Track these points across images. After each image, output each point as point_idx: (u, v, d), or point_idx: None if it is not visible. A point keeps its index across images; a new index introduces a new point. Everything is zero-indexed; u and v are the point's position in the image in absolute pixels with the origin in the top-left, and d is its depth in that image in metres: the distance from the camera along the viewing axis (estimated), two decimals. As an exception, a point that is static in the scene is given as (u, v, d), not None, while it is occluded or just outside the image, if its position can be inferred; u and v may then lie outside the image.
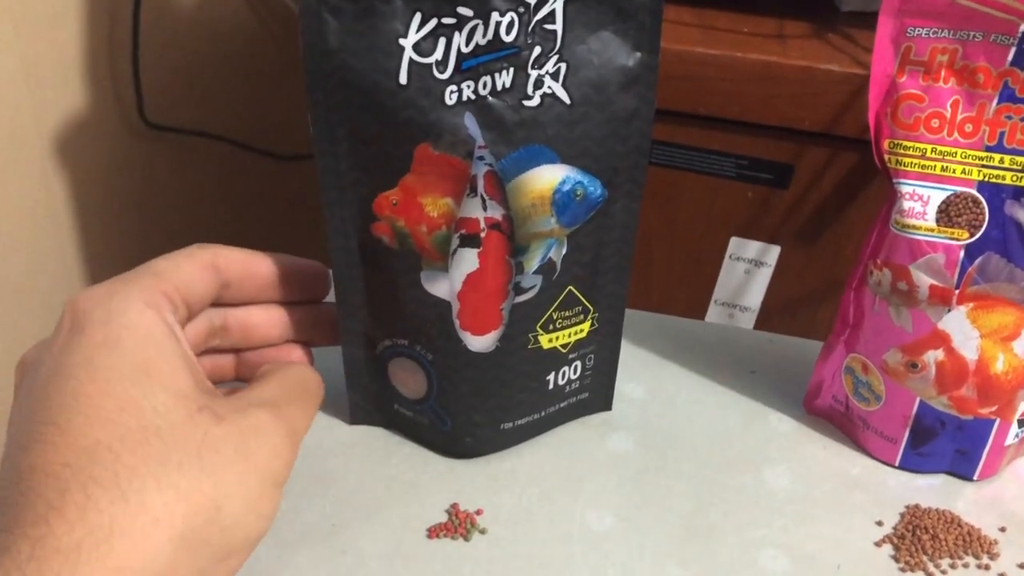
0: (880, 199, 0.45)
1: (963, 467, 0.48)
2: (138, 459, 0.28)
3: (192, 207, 0.92)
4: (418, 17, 0.37)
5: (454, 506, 0.44)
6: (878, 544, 0.44)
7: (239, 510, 0.30)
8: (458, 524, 0.43)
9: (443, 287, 0.42)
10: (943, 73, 0.42)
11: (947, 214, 0.43)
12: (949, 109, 0.42)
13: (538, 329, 0.45)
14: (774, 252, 0.75)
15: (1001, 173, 0.42)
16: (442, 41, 0.37)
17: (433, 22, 0.37)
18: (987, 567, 0.43)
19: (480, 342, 0.44)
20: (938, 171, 0.43)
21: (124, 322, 0.31)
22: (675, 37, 0.67)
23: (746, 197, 0.73)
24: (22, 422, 0.29)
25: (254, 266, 0.40)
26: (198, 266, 0.36)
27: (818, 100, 0.66)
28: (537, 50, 0.38)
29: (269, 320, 0.42)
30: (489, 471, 0.47)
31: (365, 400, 0.49)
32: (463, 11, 0.37)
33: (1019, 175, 0.42)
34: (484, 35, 0.37)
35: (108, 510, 0.27)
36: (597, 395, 0.51)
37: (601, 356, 0.49)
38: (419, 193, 0.40)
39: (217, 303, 0.39)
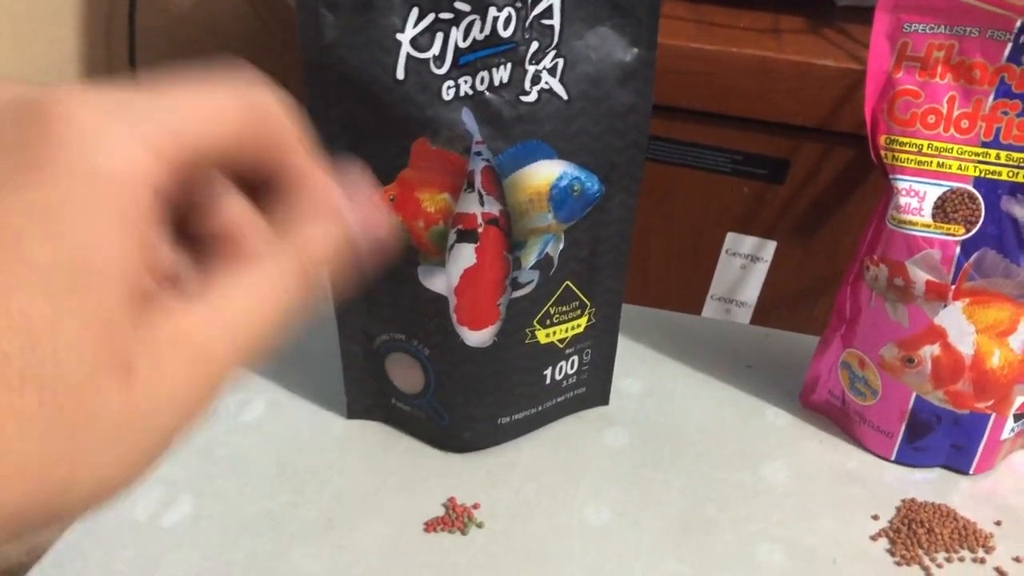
0: (876, 194, 0.45)
1: (959, 461, 0.49)
2: None
3: (189, 203, 0.92)
4: (415, 12, 0.37)
5: (451, 500, 0.45)
6: (874, 538, 0.44)
7: (96, 485, 0.22)
8: (455, 518, 0.43)
9: (440, 282, 0.42)
10: (939, 69, 0.42)
11: (943, 210, 0.43)
12: (945, 105, 0.42)
13: (535, 324, 0.45)
14: (770, 247, 0.75)
15: (997, 169, 0.42)
16: (439, 36, 0.37)
17: (431, 17, 0.37)
18: (982, 560, 0.43)
19: (477, 337, 0.44)
20: (934, 167, 0.43)
21: (90, 187, 0.22)
22: (671, 32, 0.67)
23: (742, 192, 0.73)
24: None
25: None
26: (233, 116, 0.25)
27: (814, 95, 0.66)
28: (534, 45, 0.38)
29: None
30: (486, 465, 0.47)
31: (363, 395, 0.49)
32: (461, 6, 0.37)
33: (1015, 171, 0.42)
34: (481, 30, 0.37)
35: None
36: (594, 390, 0.51)
37: (598, 351, 0.49)
38: (416, 188, 0.40)
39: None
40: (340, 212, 0.26)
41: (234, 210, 0.26)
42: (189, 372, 0.23)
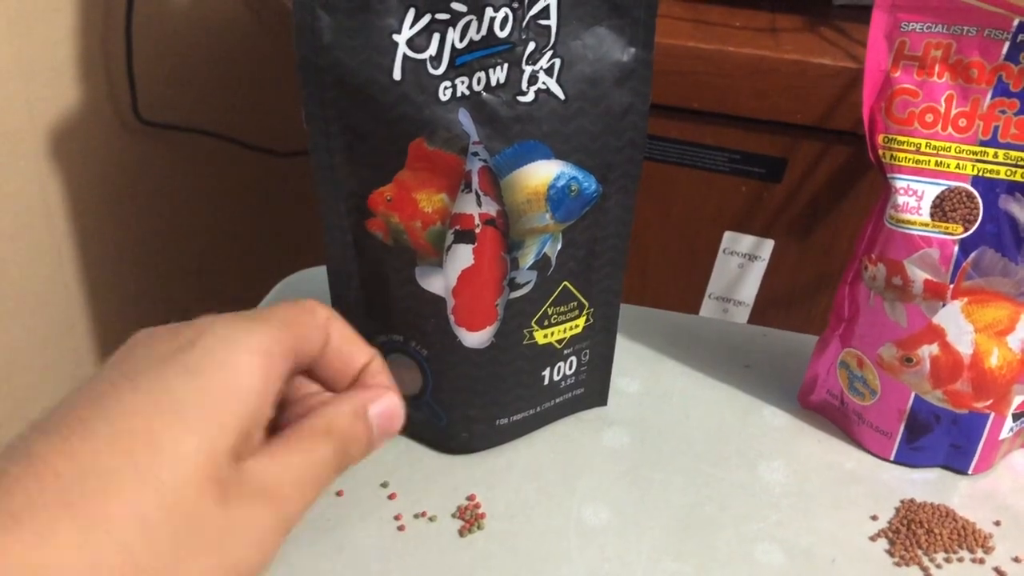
0: (873, 193, 0.45)
1: (958, 461, 0.49)
2: (49, 499, 0.24)
3: (187, 204, 0.92)
4: (412, 13, 0.37)
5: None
6: (873, 538, 0.44)
7: None
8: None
9: (438, 283, 0.42)
10: (937, 68, 0.42)
11: (941, 209, 0.43)
12: (943, 104, 0.42)
13: (533, 325, 0.45)
14: (768, 246, 0.75)
15: (995, 168, 0.42)
16: (436, 37, 0.37)
17: (427, 18, 0.37)
18: (981, 561, 0.43)
19: (475, 338, 0.44)
20: (932, 166, 0.43)
21: (225, 358, 0.28)
22: (667, 31, 0.67)
23: (739, 191, 0.73)
24: (63, 404, 0.26)
25: (354, 350, 0.33)
26: (314, 325, 0.32)
27: (811, 94, 0.66)
28: (531, 46, 0.38)
29: None
30: (485, 466, 0.47)
31: (360, 396, 0.48)
32: (457, 7, 0.37)
33: (1013, 169, 0.42)
34: (478, 31, 0.37)
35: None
36: (592, 390, 0.51)
37: (596, 351, 0.49)
38: (414, 189, 0.40)
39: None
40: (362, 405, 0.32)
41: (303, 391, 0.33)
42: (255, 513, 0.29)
